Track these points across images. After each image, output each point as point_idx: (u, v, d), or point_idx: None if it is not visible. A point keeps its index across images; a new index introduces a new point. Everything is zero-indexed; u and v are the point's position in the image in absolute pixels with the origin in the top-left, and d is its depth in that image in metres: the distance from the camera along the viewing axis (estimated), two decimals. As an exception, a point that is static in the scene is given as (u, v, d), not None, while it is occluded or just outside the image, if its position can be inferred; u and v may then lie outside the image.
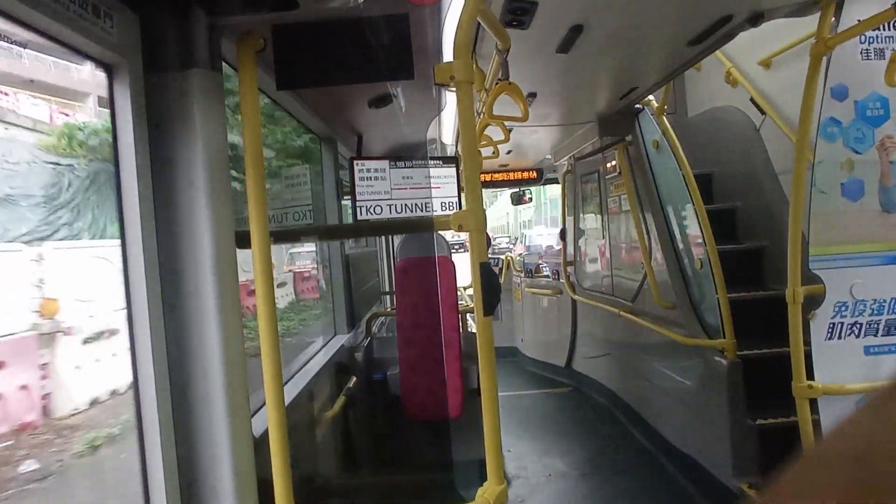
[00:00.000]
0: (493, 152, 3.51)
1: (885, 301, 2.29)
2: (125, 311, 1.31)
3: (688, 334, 3.33)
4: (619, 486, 3.54)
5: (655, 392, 3.98)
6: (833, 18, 2.21)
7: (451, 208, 3.58)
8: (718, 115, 4.33)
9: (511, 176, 6.73)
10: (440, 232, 3.57)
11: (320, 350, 3.03)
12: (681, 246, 3.61)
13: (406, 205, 3.76)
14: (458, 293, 3.91)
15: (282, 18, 1.59)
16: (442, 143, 4.77)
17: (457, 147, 4.91)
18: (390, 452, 3.24)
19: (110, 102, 1.30)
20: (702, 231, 3.24)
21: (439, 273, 3.16)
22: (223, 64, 1.60)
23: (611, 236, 4.85)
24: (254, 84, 1.47)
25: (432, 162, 3.86)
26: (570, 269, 5.94)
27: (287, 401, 2.09)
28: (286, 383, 2.33)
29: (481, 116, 2.66)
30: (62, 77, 12.79)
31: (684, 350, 3.39)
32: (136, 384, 1.31)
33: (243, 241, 1.48)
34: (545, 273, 6.92)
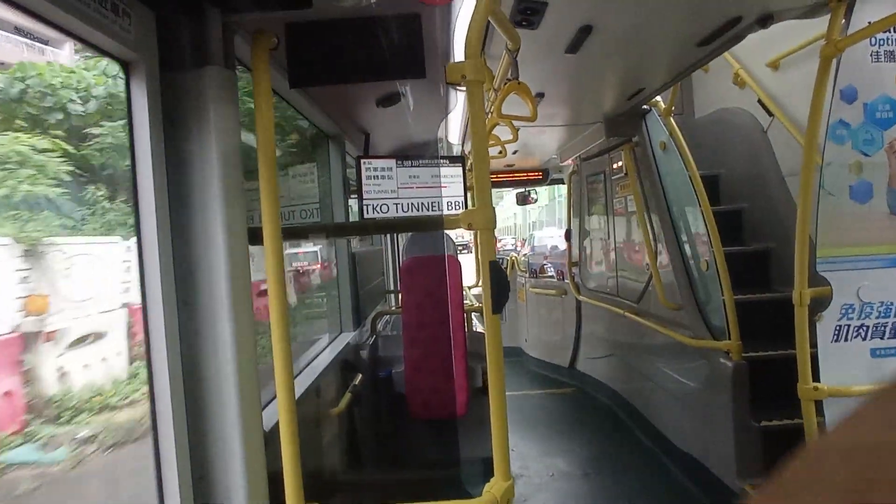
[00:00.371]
0: (500, 152, 3.52)
1: (892, 304, 2.29)
2: (140, 306, 1.33)
3: (693, 336, 3.33)
4: (621, 487, 3.55)
5: (659, 393, 3.98)
6: (843, 20, 2.21)
7: (457, 208, 3.59)
8: (726, 116, 4.33)
9: (516, 176, 6.73)
10: (446, 231, 3.58)
11: (326, 347, 3.05)
12: (687, 247, 3.61)
13: (412, 204, 3.78)
14: (464, 292, 3.93)
15: (295, 17, 1.60)
16: (448, 142, 4.78)
17: (463, 147, 4.92)
18: (395, 450, 3.25)
19: (127, 100, 1.32)
20: (708, 232, 3.24)
21: (445, 272, 3.18)
22: (241, 65, 1.62)
23: (616, 237, 4.85)
24: (267, 81, 1.48)
25: (439, 161, 3.88)
26: (574, 269, 5.94)
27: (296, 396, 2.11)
28: (294, 378, 2.34)
29: (490, 116, 2.67)
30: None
31: (689, 351, 3.40)
32: (150, 379, 1.32)
33: (255, 237, 1.49)
34: (550, 273, 6.93)
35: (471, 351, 3.28)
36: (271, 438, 1.51)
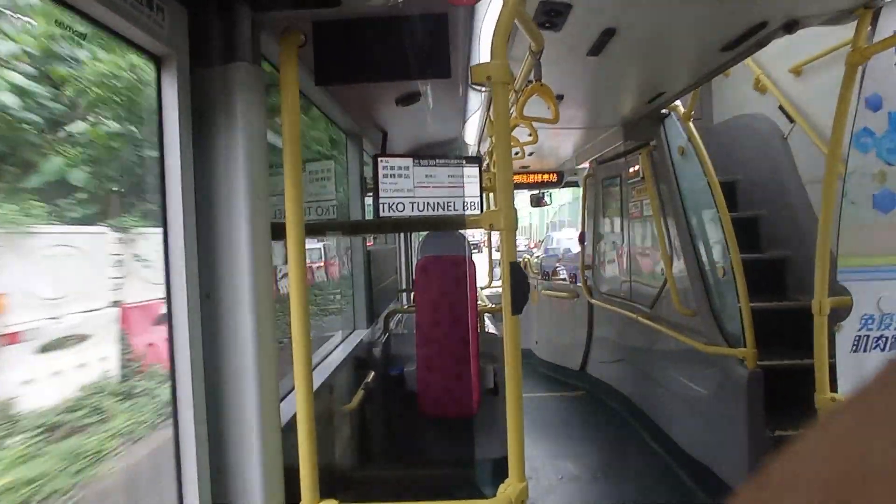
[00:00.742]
0: (519, 153, 3.52)
1: None
2: (164, 298, 1.35)
3: (707, 342, 3.31)
4: (631, 492, 3.53)
5: (671, 399, 3.95)
6: (870, 27, 2.19)
7: (473, 208, 3.59)
8: (746, 122, 4.29)
9: (531, 178, 6.72)
10: (460, 232, 3.59)
11: (340, 344, 3.07)
12: (703, 253, 3.59)
13: (428, 203, 3.78)
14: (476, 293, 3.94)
15: (322, 15, 1.62)
16: (464, 142, 4.78)
17: (479, 147, 4.92)
18: (407, 448, 3.27)
19: (158, 94, 1.34)
20: (725, 238, 3.22)
21: (460, 272, 3.18)
22: (266, 62, 1.64)
23: (631, 241, 4.83)
24: (295, 79, 1.50)
25: (456, 161, 3.88)
26: (587, 272, 5.91)
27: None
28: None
29: (511, 117, 2.67)
30: None
31: (703, 358, 3.37)
32: (172, 371, 1.34)
33: (277, 232, 1.51)
34: (562, 276, 6.91)
35: (483, 351, 3.28)
36: (287, 433, 1.52)
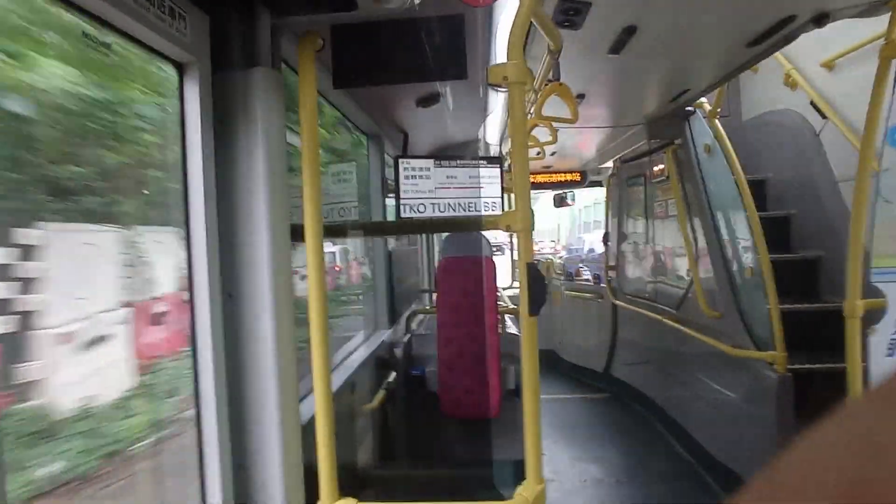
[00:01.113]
0: (539, 153, 3.49)
1: None
2: (188, 298, 1.38)
3: (735, 345, 3.23)
4: (655, 497, 3.47)
5: (698, 402, 3.88)
6: None
7: (494, 209, 3.57)
8: (775, 118, 4.18)
9: (554, 178, 6.67)
10: (482, 233, 3.58)
11: (362, 344, 3.09)
12: (730, 253, 3.51)
13: (449, 204, 3.78)
14: (497, 294, 3.93)
15: (340, 19, 1.63)
16: (486, 142, 4.77)
17: (500, 147, 4.90)
18: (427, 448, 3.27)
19: (180, 99, 1.37)
20: (754, 238, 3.14)
21: (481, 273, 3.17)
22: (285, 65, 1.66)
23: (656, 241, 4.75)
24: (313, 82, 1.51)
25: (476, 162, 3.88)
26: (611, 273, 5.84)
27: (333, 390, 2.15)
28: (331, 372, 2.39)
29: (530, 117, 2.65)
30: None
31: (731, 361, 3.30)
32: (195, 370, 1.37)
33: (297, 234, 1.53)
34: (585, 277, 6.84)
35: (504, 352, 3.26)
36: (307, 432, 1.54)
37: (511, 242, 7.80)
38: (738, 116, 4.77)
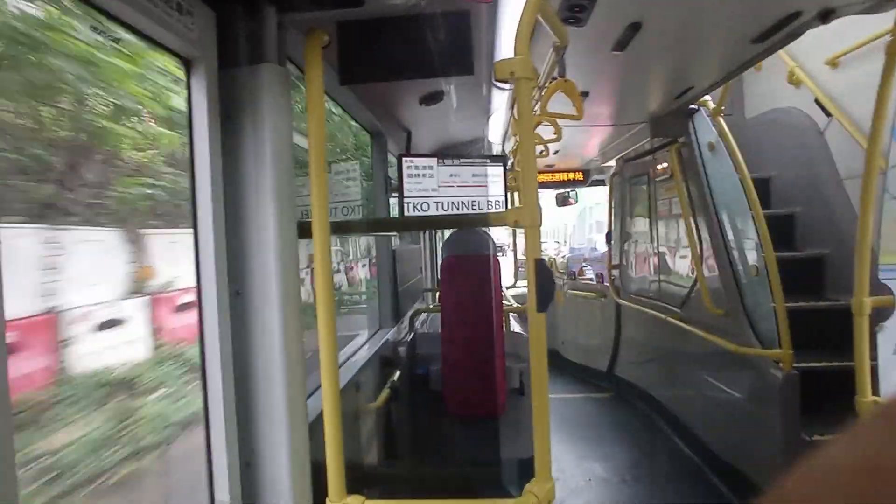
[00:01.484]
0: (543, 151, 3.49)
1: None
2: (195, 295, 1.37)
3: (740, 343, 3.22)
4: (660, 495, 3.46)
5: (702, 401, 3.86)
6: None
7: (497, 207, 3.56)
8: (779, 116, 4.17)
9: (557, 177, 6.66)
10: (486, 232, 3.58)
11: (366, 343, 3.09)
12: (735, 252, 3.50)
13: (452, 202, 3.78)
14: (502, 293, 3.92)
15: (346, 15, 1.63)
16: (488, 141, 4.77)
17: (503, 146, 4.90)
18: (433, 446, 3.27)
19: (188, 95, 1.37)
20: (759, 237, 3.13)
21: (484, 272, 3.17)
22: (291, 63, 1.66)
23: (659, 240, 4.74)
24: (320, 79, 1.51)
25: (480, 160, 3.88)
26: (615, 272, 5.83)
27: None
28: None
29: (535, 114, 2.65)
30: None
31: (736, 360, 3.28)
32: (203, 367, 1.36)
33: (303, 231, 1.52)
34: (588, 276, 6.82)
35: (508, 351, 3.26)
36: (314, 429, 1.53)
37: (514, 242, 7.79)
38: (741, 114, 4.76)
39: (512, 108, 3.45)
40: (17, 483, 0.87)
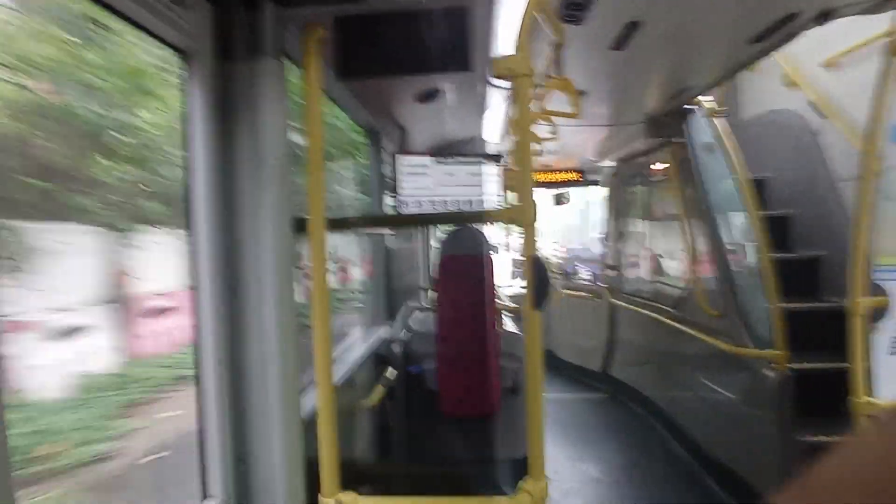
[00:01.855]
0: (540, 150, 3.48)
1: None
2: (191, 291, 1.36)
3: (735, 344, 3.23)
4: (654, 496, 3.47)
5: (697, 402, 3.87)
6: None
7: (494, 205, 3.54)
8: (774, 118, 4.18)
9: (553, 177, 6.66)
10: (481, 230, 3.57)
11: (359, 340, 3.07)
12: (730, 252, 3.51)
13: (448, 201, 3.78)
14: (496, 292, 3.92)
15: (344, 10, 1.61)
16: (484, 139, 4.76)
17: (500, 145, 4.88)
18: (426, 444, 3.26)
19: (184, 88, 1.35)
20: (755, 238, 3.14)
21: (479, 271, 3.16)
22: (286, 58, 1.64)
23: (655, 241, 4.75)
24: (318, 74, 1.50)
25: (475, 159, 3.87)
26: (610, 272, 5.84)
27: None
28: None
29: (531, 113, 2.64)
30: None
31: (730, 360, 3.29)
32: (197, 363, 1.35)
33: (300, 227, 1.51)
34: (583, 276, 6.83)
35: (503, 351, 3.25)
36: (308, 426, 1.52)
37: (507, 241, 7.78)
38: (736, 115, 4.78)
39: (509, 105, 3.44)
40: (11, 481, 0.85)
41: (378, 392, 2.72)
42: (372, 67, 1.67)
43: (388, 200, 3.81)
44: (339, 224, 2.16)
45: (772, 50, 2.65)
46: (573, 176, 6.67)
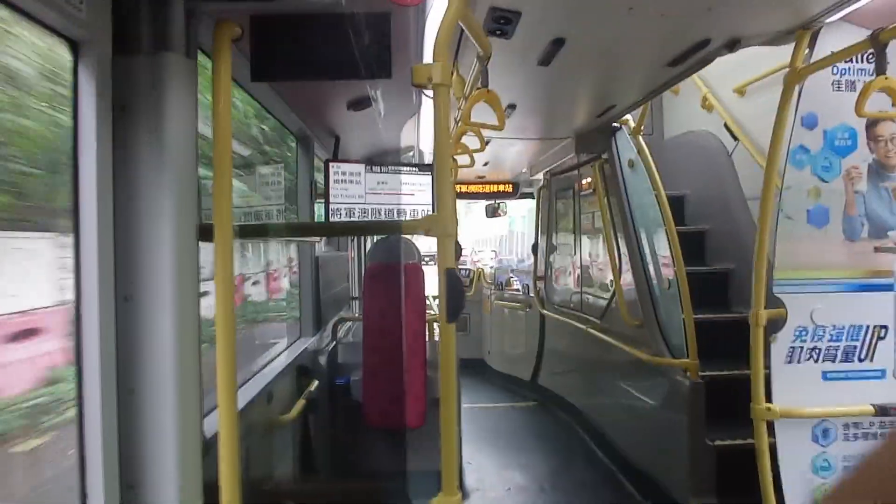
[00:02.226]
0: (470, 162, 3.50)
1: (843, 328, 2.34)
2: (73, 300, 1.24)
3: (653, 353, 3.36)
4: (577, 503, 3.54)
5: (619, 410, 4.00)
6: (808, 49, 2.27)
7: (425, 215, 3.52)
8: (693, 138, 4.42)
9: (487, 188, 6.75)
10: (412, 240, 3.54)
11: (283, 352, 2.96)
12: (650, 265, 3.65)
13: (378, 210, 3.73)
14: (427, 302, 3.92)
15: (260, 9, 1.55)
16: (420, 150, 4.75)
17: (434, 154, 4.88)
18: (346, 459, 3.17)
19: (74, 82, 1.24)
20: (672, 251, 3.28)
21: (408, 280, 3.12)
22: (204, 55, 1.56)
23: (582, 253, 4.89)
24: (227, 72, 1.42)
25: (408, 168, 3.85)
26: (539, 283, 5.96)
27: (244, 402, 2.02)
28: (245, 384, 2.25)
29: (459, 124, 2.65)
30: None
31: (649, 369, 3.42)
32: (79, 377, 1.23)
33: (206, 234, 1.42)
34: (515, 287, 6.94)
35: (431, 361, 3.22)
36: (215, 445, 1.43)
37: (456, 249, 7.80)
38: (661, 135, 5.02)
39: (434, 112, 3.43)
40: None
41: (299, 406, 2.61)
42: (288, 70, 1.61)
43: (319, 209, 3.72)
44: (249, 231, 2.07)
45: (688, 74, 2.79)
46: (507, 188, 6.79)
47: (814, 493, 2.33)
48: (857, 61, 2.32)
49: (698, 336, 3.07)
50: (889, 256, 2.35)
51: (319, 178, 3.57)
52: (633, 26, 2.22)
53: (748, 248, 3.54)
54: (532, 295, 6.05)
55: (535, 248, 6.17)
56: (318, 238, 3.62)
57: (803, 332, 2.32)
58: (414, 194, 3.77)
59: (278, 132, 3.42)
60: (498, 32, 2.23)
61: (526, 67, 2.67)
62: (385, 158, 4.33)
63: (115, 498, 1.24)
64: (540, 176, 5.98)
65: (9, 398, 1.38)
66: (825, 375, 2.35)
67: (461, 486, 3.50)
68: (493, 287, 7.16)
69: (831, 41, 2.22)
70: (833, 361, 2.35)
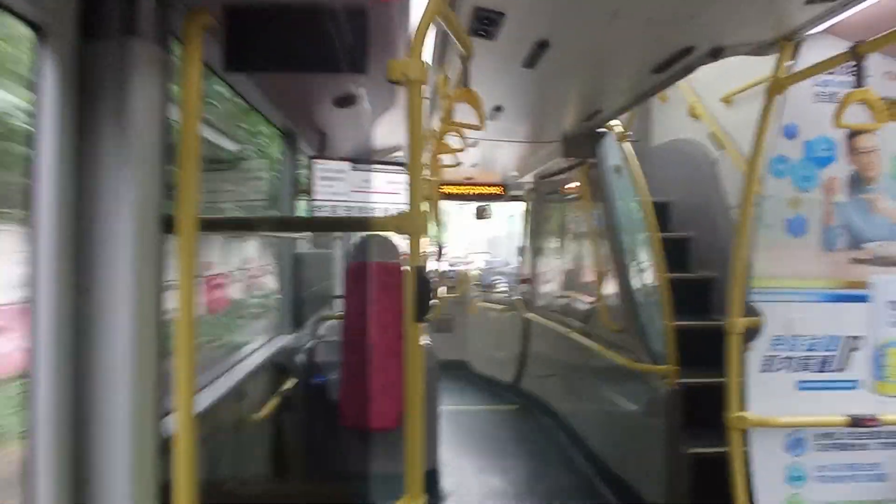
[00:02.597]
0: (457, 163, 3.48)
1: (819, 338, 2.34)
2: (27, 290, 1.21)
3: (634, 359, 3.35)
4: None
5: (598, 415, 3.99)
6: (791, 61, 2.28)
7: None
8: (679, 146, 4.43)
9: (476, 190, 6.73)
10: (394, 239, 3.52)
11: (258, 350, 2.92)
12: (633, 271, 3.65)
13: (362, 208, 3.70)
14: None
15: None
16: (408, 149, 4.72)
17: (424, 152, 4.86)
18: (317, 460, 3.13)
19: (36, 67, 1.21)
20: (655, 258, 3.28)
21: (390, 280, 3.10)
22: (180, 45, 1.53)
23: (567, 257, 4.88)
24: (197, 61, 1.39)
25: (393, 167, 3.82)
26: (525, 286, 5.95)
27: (212, 399, 1.99)
28: (212, 382, 2.21)
29: (441, 124, 2.63)
30: None
31: (629, 375, 3.41)
32: (32, 370, 1.20)
33: (170, 226, 1.39)
34: (501, 289, 6.93)
35: None
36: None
37: (439, 252, 7.77)
38: (648, 142, 5.02)
39: (430, 114, 3.43)
40: None
41: (271, 404, 2.58)
42: (262, 61, 1.59)
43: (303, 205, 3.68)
44: (216, 225, 2.02)
45: (673, 81, 2.79)
46: (496, 190, 6.77)
47: (786, 502, 2.34)
48: (838, 73, 2.33)
49: (681, 343, 3.07)
50: (865, 267, 2.36)
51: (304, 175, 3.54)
52: (618, 31, 2.22)
53: (729, 257, 3.55)
54: (517, 297, 6.04)
55: (521, 250, 6.16)
56: (298, 234, 3.58)
57: (779, 341, 2.33)
58: (399, 193, 3.75)
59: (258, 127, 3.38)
60: (482, 33, 2.22)
61: (512, 69, 2.66)
62: (372, 156, 4.31)
63: (64, 497, 1.21)
64: (528, 178, 5.97)
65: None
66: (800, 385, 2.35)
67: (436, 489, 3.47)
68: (480, 289, 7.15)
69: (814, 53, 2.23)
70: (808, 371, 2.35)
